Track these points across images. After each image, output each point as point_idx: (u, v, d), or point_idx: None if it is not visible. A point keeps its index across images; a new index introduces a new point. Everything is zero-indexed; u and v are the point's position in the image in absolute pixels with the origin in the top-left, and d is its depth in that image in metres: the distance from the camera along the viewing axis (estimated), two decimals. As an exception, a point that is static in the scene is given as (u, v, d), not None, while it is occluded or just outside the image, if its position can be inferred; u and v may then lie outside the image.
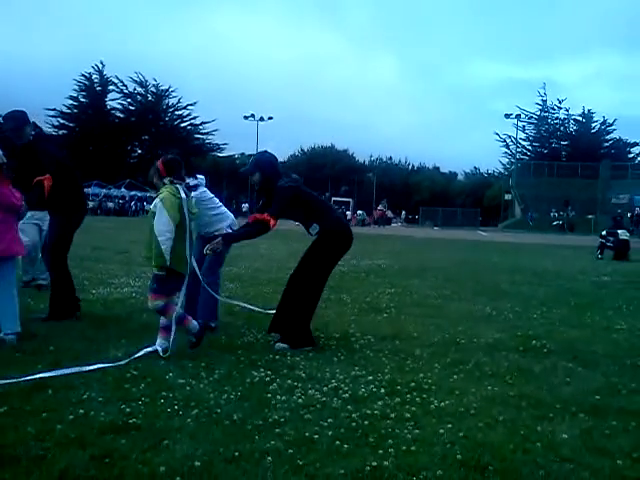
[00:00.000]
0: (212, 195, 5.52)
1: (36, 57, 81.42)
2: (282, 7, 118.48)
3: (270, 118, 57.42)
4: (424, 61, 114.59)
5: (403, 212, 58.06)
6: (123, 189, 51.02)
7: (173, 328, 4.28)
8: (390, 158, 76.53)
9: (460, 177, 76.83)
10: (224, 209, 5.59)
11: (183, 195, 4.33)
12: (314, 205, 4.92)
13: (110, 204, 47.63)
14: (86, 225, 6.10)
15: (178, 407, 3.23)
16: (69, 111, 60.45)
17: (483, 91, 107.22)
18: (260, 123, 57.15)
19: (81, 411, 3.10)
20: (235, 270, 9.11)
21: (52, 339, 4.60)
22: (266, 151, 5.22)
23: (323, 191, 54.35)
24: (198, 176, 5.39)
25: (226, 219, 5.49)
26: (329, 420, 3.13)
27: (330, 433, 2.97)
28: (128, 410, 3.15)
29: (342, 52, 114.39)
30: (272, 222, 4.63)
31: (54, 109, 58.40)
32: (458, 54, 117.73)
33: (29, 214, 5.95)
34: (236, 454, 2.67)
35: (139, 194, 49.57)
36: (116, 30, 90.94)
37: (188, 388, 3.56)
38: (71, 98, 60.21)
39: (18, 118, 5.17)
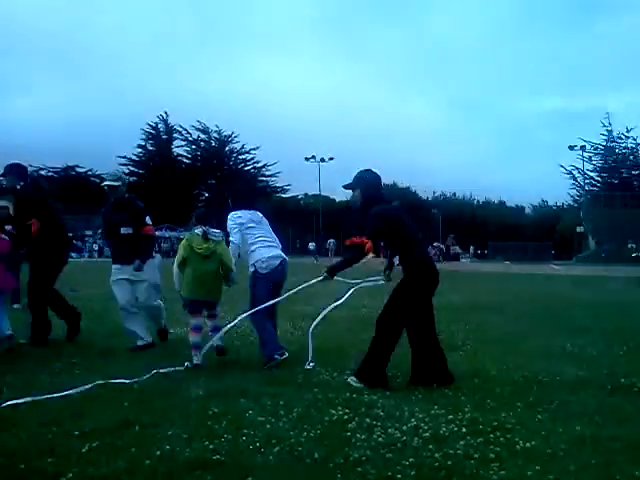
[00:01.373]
0: (259, 233, 5.56)
1: (106, 108, 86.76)
2: (325, 53, 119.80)
3: (331, 159, 58.30)
4: (470, 98, 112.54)
5: (471, 247, 56.83)
6: (193, 231, 52.50)
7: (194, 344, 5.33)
8: (454, 194, 75.63)
9: (527, 210, 74.81)
10: (258, 247, 5.48)
11: (199, 237, 5.37)
12: (405, 239, 4.71)
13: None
14: (163, 267, 6.40)
15: (260, 444, 3.26)
16: (138, 159, 63.49)
17: (531, 123, 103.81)
18: (322, 164, 58.15)
19: (167, 447, 3.19)
20: (307, 309, 9.15)
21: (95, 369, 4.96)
22: (370, 170, 4.90)
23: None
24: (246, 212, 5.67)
25: (253, 259, 5.46)
26: (411, 459, 3.08)
27: (413, 473, 2.92)
28: (212, 447, 3.21)
29: (386, 95, 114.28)
30: (368, 245, 4.65)
31: (124, 157, 61.51)
32: (502, 88, 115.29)
33: (116, 269, 6.36)
34: (320, 492, 2.67)
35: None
36: (176, 81, 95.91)
37: (268, 426, 3.60)
38: (139, 147, 63.37)
39: None
